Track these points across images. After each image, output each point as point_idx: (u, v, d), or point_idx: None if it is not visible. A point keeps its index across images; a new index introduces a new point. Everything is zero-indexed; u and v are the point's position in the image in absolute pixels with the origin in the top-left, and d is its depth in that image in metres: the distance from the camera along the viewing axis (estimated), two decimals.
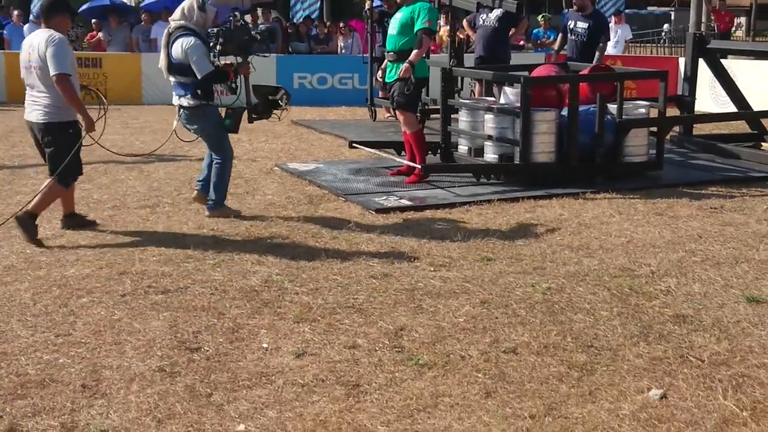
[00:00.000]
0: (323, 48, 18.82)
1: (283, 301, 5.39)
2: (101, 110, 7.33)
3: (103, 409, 3.97)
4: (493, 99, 10.08)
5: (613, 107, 8.91)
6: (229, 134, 7.41)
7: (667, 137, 10.26)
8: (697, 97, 11.26)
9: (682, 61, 14.52)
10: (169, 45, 7.13)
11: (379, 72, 9.02)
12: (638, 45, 25.92)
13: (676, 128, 11.30)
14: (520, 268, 6.05)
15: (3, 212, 7.67)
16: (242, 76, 7.43)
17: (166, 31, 7.25)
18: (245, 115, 7.52)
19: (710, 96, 14.66)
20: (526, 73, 9.82)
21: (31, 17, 17.69)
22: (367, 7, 14.18)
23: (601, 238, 6.83)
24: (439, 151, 9.57)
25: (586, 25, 11.07)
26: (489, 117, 8.99)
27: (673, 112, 11.13)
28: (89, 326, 4.95)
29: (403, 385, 4.23)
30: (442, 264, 6.13)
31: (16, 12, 17.96)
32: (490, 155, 9.05)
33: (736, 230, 7.09)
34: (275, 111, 7.70)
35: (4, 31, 18.15)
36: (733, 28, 27.51)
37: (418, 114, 9.14)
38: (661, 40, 29.73)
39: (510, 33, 11.91)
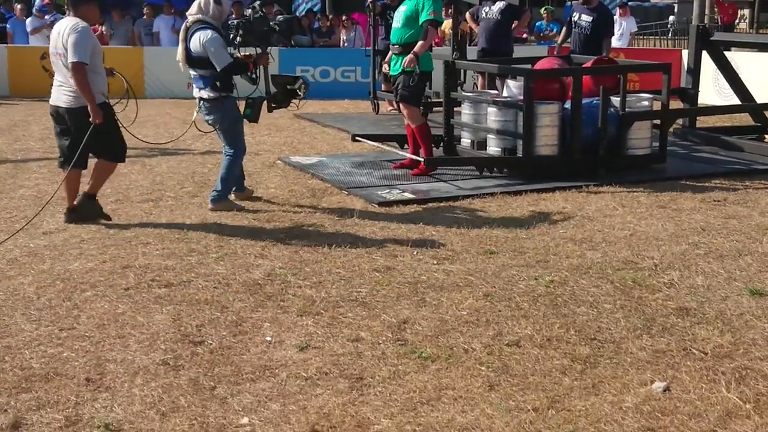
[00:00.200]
0: (326, 41, 18.81)
1: (286, 294, 5.39)
2: (126, 98, 7.43)
3: (107, 403, 3.99)
4: (496, 92, 10.07)
5: (616, 100, 8.90)
6: (234, 131, 7.48)
7: (671, 130, 10.25)
8: (700, 89, 11.23)
9: (685, 53, 14.48)
10: (187, 39, 7.25)
11: (385, 65, 9.00)
12: (641, 38, 25.87)
13: (680, 121, 11.27)
14: (523, 261, 6.05)
15: (7, 206, 7.69)
16: (262, 66, 7.57)
17: (184, 25, 7.38)
18: (265, 104, 7.68)
19: (713, 88, 14.63)
20: (529, 66, 9.81)
21: (33, 10, 17.70)
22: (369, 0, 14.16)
23: (605, 231, 6.83)
24: (442, 144, 9.57)
25: (590, 18, 11.04)
26: (492, 110, 8.98)
27: (676, 104, 11.11)
28: (93, 320, 4.96)
29: (406, 378, 4.24)
30: (445, 257, 6.13)
31: (19, 6, 17.94)
32: (493, 148, 9.04)
33: (740, 223, 7.08)
34: (294, 100, 7.87)
35: (7, 25, 18.13)
36: (737, 20, 27.47)
37: (421, 107, 9.12)
38: (668, 32, 29.64)
39: (513, 26, 11.90)
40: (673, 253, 6.25)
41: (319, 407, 3.94)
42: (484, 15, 11.68)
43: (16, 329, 4.83)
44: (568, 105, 8.77)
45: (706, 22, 18.92)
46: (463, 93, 10.09)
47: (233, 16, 7.58)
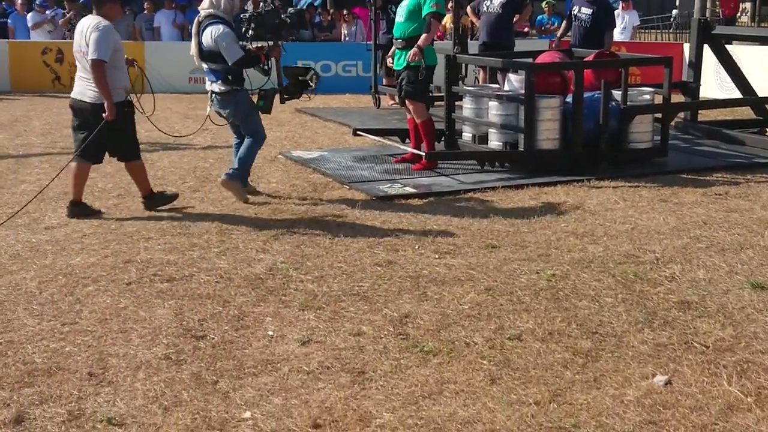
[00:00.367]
0: (327, 35, 18.79)
1: (288, 288, 5.40)
2: (141, 90, 7.54)
3: (109, 397, 4.00)
4: (497, 86, 10.06)
5: (617, 93, 8.89)
6: (251, 119, 7.61)
7: (672, 123, 10.24)
8: (701, 83, 11.22)
9: (686, 47, 14.46)
10: (199, 33, 7.36)
11: (389, 59, 8.99)
12: (643, 31, 25.83)
13: (681, 114, 11.26)
14: (525, 255, 6.05)
15: (9, 201, 7.69)
16: (274, 58, 7.69)
17: (196, 19, 7.49)
18: (278, 96, 7.81)
19: (715, 82, 14.61)
20: (530, 60, 9.80)
21: (34, 5, 17.69)
22: None
23: (606, 224, 6.83)
24: (443, 139, 9.56)
25: (590, 11, 11.03)
26: (493, 104, 8.97)
27: (677, 98, 11.10)
28: (95, 314, 4.97)
29: (408, 372, 4.25)
30: (446, 251, 6.14)
31: (20, 1, 17.94)
32: (495, 142, 9.03)
33: (741, 216, 7.08)
34: (305, 94, 8.04)
35: (8, 20, 18.13)
36: (739, 14, 27.42)
37: (427, 103, 9.10)
38: (671, 26, 29.58)
39: (514, 19, 11.88)
40: (674, 246, 6.25)
41: (321, 401, 3.95)
42: (485, 9, 11.66)
43: (19, 324, 4.84)
44: (569, 99, 8.76)
45: (707, 15, 18.89)
46: (465, 87, 10.08)
47: (251, 9, 7.70)
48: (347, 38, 18.56)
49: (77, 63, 7.03)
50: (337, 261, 5.92)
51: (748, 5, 36.42)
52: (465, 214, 7.15)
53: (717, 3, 22.31)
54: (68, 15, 18.14)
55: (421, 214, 7.15)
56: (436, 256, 6.02)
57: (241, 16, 7.62)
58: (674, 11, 33.24)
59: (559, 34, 12.48)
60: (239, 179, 7.59)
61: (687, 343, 4.56)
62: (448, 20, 13.64)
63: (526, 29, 18.66)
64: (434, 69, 8.80)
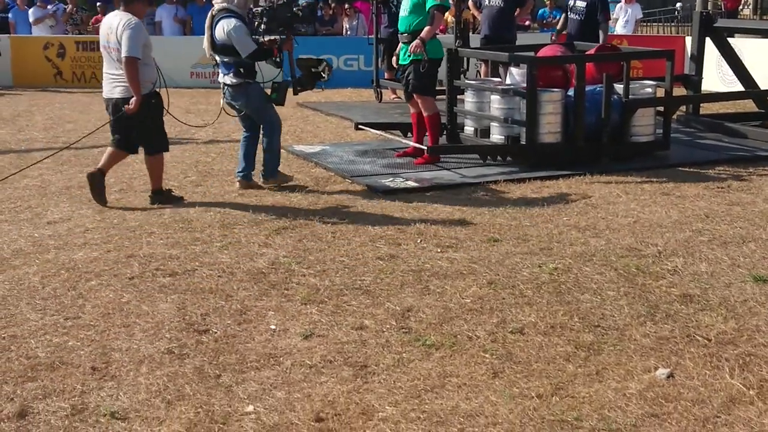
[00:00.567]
0: (328, 30, 18.75)
1: (290, 283, 5.41)
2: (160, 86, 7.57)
3: (112, 391, 4.01)
4: (499, 80, 10.06)
5: (619, 87, 8.88)
6: (263, 110, 7.72)
7: (674, 117, 10.23)
8: (703, 76, 11.20)
9: (688, 40, 14.43)
10: (212, 27, 7.47)
11: (394, 58, 8.98)
12: (645, 24, 25.78)
13: (683, 108, 11.25)
14: (527, 248, 6.05)
15: (11, 196, 7.70)
16: (286, 51, 7.80)
17: (209, 13, 7.59)
18: (290, 88, 7.95)
19: (717, 75, 14.59)
20: (532, 54, 9.79)
21: (36, 0, 17.68)
22: None
23: (608, 218, 6.83)
24: (445, 133, 9.55)
25: (584, 4, 11.10)
26: (495, 98, 8.96)
27: (679, 91, 11.08)
28: (98, 309, 4.98)
29: (410, 365, 4.25)
30: (448, 245, 6.14)
31: None
32: (497, 136, 9.03)
33: (743, 209, 7.08)
34: (317, 86, 8.20)
35: (9, 15, 18.13)
36: (740, 7, 27.35)
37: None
38: (675, 19, 29.50)
39: (516, 13, 11.87)
40: (676, 240, 6.25)
41: (324, 395, 3.96)
42: (486, 2, 11.64)
43: (22, 319, 4.85)
44: (571, 92, 8.75)
45: (709, 8, 18.85)
46: (466, 81, 10.07)
47: (265, 3, 7.78)
48: (349, 32, 18.53)
49: (104, 59, 7.18)
50: (339, 255, 5.92)
51: None
52: (467, 208, 7.15)
53: None
54: (68, 9, 18.14)
55: (423, 208, 7.15)
56: (439, 250, 6.02)
57: (254, 10, 7.68)
58: (678, 4, 33.13)
59: (558, 27, 12.49)
60: (274, 175, 7.85)
61: (689, 336, 4.56)
62: (449, 14, 13.62)
63: (527, 23, 18.62)
64: (440, 62, 8.80)
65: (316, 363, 4.29)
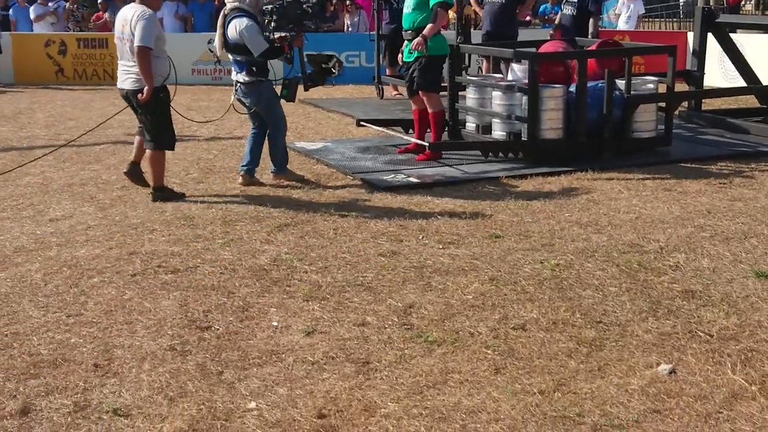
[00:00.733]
0: (330, 26, 18.73)
1: (292, 279, 5.41)
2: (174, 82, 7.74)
3: (115, 388, 4.01)
4: (500, 76, 10.05)
5: (621, 83, 8.86)
6: (272, 110, 7.80)
7: (676, 112, 10.22)
8: (705, 71, 11.18)
9: (690, 35, 14.42)
10: (225, 26, 7.58)
11: (400, 54, 8.98)
12: (647, 20, 25.74)
13: (685, 103, 11.24)
14: (529, 244, 6.05)
15: (13, 193, 7.71)
16: (296, 48, 7.91)
17: (222, 12, 7.73)
18: (301, 84, 8.07)
19: (719, 71, 14.56)
20: (533, 50, 9.78)
21: None
22: None
23: (610, 214, 6.82)
24: (446, 129, 9.55)
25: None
26: (497, 94, 8.96)
27: (681, 87, 11.07)
28: (100, 306, 4.99)
29: (412, 362, 4.26)
30: (450, 241, 6.14)
31: None
32: (498, 132, 9.02)
33: (745, 205, 7.07)
34: (328, 82, 8.30)
35: (10, 12, 18.13)
36: (743, 2, 27.29)
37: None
38: (679, 14, 29.44)
39: (517, 9, 11.87)
40: (678, 235, 6.24)
41: (326, 391, 3.96)
42: None
43: (24, 316, 4.85)
44: (572, 88, 8.74)
45: (711, 3, 18.81)
46: (468, 77, 10.06)
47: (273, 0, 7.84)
48: (350, 29, 18.51)
49: (118, 51, 7.30)
50: (341, 251, 5.93)
51: None
52: (469, 204, 7.15)
53: None
54: (68, 6, 18.13)
55: (424, 204, 7.15)
56: (440, 247, 6.02)
57: (264, 8, 7.75)
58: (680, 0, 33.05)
59: (556, 22, 12.54)
60: (283, 171, 7.94)
61: (691, 332, 4.56)
62: (451, 10, 13.60)
63: (528, 18, 18.59)
64: (445, 58, 8.80)
65: (318, 359, 4.29)
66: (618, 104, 8.78)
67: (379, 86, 13.68)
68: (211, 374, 4.15)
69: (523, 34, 13.07)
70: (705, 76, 11.21)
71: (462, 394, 3.93)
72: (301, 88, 8.09)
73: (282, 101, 7.89)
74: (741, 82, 11.46)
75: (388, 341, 4.49)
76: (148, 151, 7.36)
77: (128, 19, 7.07)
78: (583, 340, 4.47)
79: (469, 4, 12.76)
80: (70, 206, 7.22)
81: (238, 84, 7.75)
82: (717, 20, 11.30)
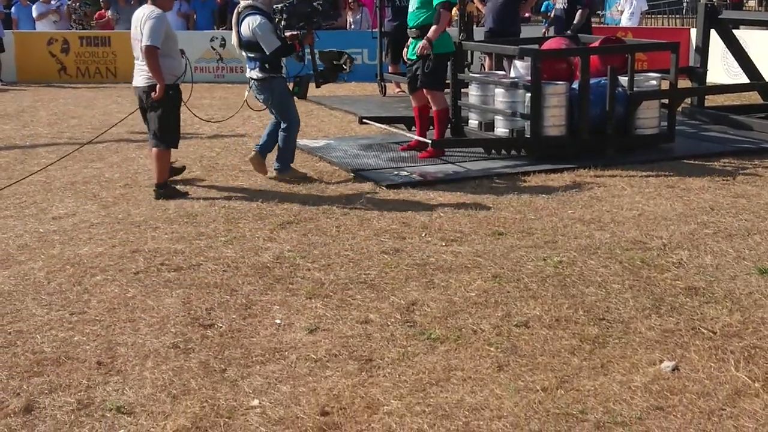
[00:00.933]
0: (331, 24, 18.70)
1: (295, 277, 5.41)
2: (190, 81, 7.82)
3: (118, 386, 4.02)
4: (503, 73, 10.04)
5: (624, 79, 8.86)
6: (285, 107, 7.87)
7: (679, 109, 10.21)
8: (708, 68, 11.17)
9: (693, 32, 14.39)
10: (238, 23, 7.68)
11: (405, 50, 8.99)
12: (650, 16, 25.71)
13: (688, 100, 11.22)
14: (532, 242, 6.05)
15: (16, 191, 7.71)
16: (308, 45, 8.00)
17: (236, 10, 7.83)
18: (312, 81, 8.18)
19: (722, 67, 14.54)
20: (536, 47, 9.77)
21: None
22: None
23: (613, 211, 6.82)
24: (449, 126, 9.54)
25: None
26: (499, 91, 8.95)
27: (684, 83, 11.06)
28: (103, 304, 4.99)
29: (415, 359, 4.26)
30: (453, 239, 6.14)
31: None
32: (501, 129, 9.02)
33: (749, 202, 7.06)
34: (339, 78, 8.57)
35: (12, 11, 18.14)
36: None
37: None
38: (683, 10, 29.39)
39: (520, 6, 11.89)
40: (681, 232, 6.24)
41: (329, 389, 3.96)
42: None
43: (28, 314, 4.86)
44: (575, 85, 8.73)
45: (714, 0, 18.77)
46: (471, 74, 10.05)
47: None
48: (352, 26, 18.49)
49: (133, 51, 7.41)
50: (343, 249, 5.93)
51: None
52: (471, 201, 7.15)
53: None
54: (70, 5, 18.13)
55: (427, 201, 7.15)
56: (443, 244, 6.02)
57: (274, 7, 7.80)
58: None
59: (551, 16, 12.66)
60: (287, 169, 7.97)
61: (694, 329, 4.56)
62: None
63: (527, 14, 18.58)
64: (450, 56, 8.80)
65: (321, 357, 4.29)
66: (621, 101, 8.77)
67: (382, 84, 13.67)
68: (214, 372, 4.15)
69: (525, 31, 13.06)
70: (708, 72, 11.20)
71: (465, 391, 3.93)
72: (312, 85, 8.17)
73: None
74: (744, 79, 11.44)
75: (390, 338, 4.49)
76: (153, 149, 7.37)
77: (139, 19, 7.21)
78: (586, 337, 4.46)
79: (472, 1, 12.74)
80: (73, 204, 7.23)
81: (252, 81, 7.84)
82: (720, 17, 11.29)
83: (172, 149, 7.49)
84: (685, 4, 29.96)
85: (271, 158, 8.03)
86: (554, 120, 8.60)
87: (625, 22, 17.57)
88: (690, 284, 5.19)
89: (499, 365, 4.17)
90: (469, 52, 10.48)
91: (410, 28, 8.71)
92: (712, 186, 7.60)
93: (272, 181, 7.92)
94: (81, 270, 5.56)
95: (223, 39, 15.93)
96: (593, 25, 19.05)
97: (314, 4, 7.97)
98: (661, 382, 3.97)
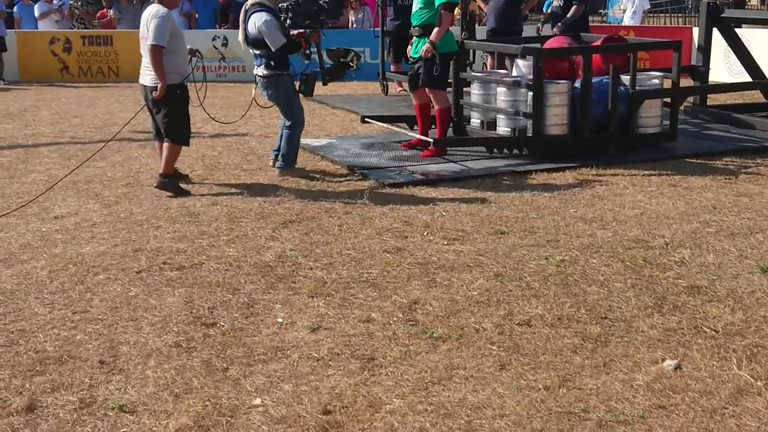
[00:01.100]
0: (334, 22, 18.71)
1: (297, 276, 5.41)
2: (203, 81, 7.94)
3: (120, 385, 4.02)
4: (505, 72, 10.03)
5: (626, 78, 8.85)
6: (290, 105, 7.94)
7: (681, 108, 10.20)
8: (711, 67, 11.16)
9: (696, 30, 14.38)
10: (246, 20, 7.76)
11: (409, 47, 9.00)
12: (653, 15, 25.70)
13: (690, 99, 11.21)
14: (534, 240, 6.05)
15: (18, 190, 7.72)
16: (314, 43, 8.05)
17: (243, 7, 7.90)
18: (319, 80, 8.26)
19: (724, 66, 14.53)
20: (538, 45, 9.76)
21: None
22: None
23: (615, 210, 6.82)
24: (451, 125, 9.53)
25: None
26: (501, 90, 8.95)
27: (686, 82, 11.05)
28: (106, 303, 5.00)
29: (417, 358, 4.26)
30: (455, 237, 6.14)
31: None
32: (503, 128, 9.01)
33: (751, 201, 7.06)
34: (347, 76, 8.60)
35: (14, 10, 18.14)
36: None
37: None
38: (687, 9, 29.36)
39: (522, 5, 11.88)
40: (683, 231, 6.23)
41: (331, 387, 3.96)
42: None
43: (30, 313, 4.86)
44: (577, 84, 8.73)
45: None
46: (473, 73, 10.05)
47: None
48: (354, 25, 18.49)
49: (141, 49, 7.46)
50: (345, 248, 5.93)
51: None
52: (473, 200, 7.15)
53: None
54: (72, 4, 18.13)
55: (429, 200, 7.15)
56: (445, 243, 6.02)
57: (280, 5, 7.82)
58: None
59: (547, 12, 12.70)
60: (290, 168, 8.03)
61: (696, 328, 4.55)
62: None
63: (526, 13, 18.55)
64: (453, 55, 8.80)
65: (323, 356, 4.29)
66: (623, 100, 8.76)
67: (384, 83, 13.65)
68: (216, 371, 4.16)
69: (528, 30, 13.06)
70: (710, 71, 11.18)
71: (467, 390, 3.93)
72: (319, 83, 8.22)
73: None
74: (746, 78, 11.44)
75: (393, 337, 4.49)
76: (169, 145, 7.47)
77: (146, 18, 7.31)
78: (588, 335, 4.46)
79: (474, 0, 12.73)
80: (75, 203, 7.23)
81: (258, 78, 7.90)
82: (722, 15, 11.28)
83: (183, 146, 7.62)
84: (688, 3, 29.93)
85: (262, 162, 8.05)
86: (556, 119, 8.59)
87: (627, 20, 17.56)
88: (692, 283, 5.19)
89: (502, 364, 4.17)
90: (471, 51, 10.49)
91: (414, 27, 8.71)
92: (715, 185, 7.59)
93: (274, 180, 7.93)
94: (83, 269, 5.57)
95: (225, 38, 15.92)
96: (596, 24, 19.08)
97: (320, 2, 8.01)
98: (663, 380, 3.97)
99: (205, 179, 8.05)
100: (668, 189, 7.46)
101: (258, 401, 3.86)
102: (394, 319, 4.72)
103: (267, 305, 4.95)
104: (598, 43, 9.50)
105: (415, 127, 9.43)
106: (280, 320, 4.74)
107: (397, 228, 6.37)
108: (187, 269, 5.54)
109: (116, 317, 4.79)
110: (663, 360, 4.18)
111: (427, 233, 6.24)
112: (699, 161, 8.58)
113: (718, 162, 8.55)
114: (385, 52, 13.38)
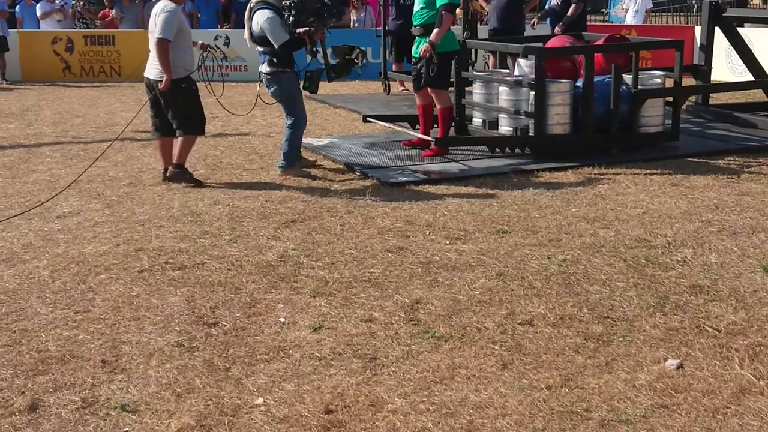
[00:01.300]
0: (335, 22, 18.70)
1: (299, 275, 5.41)
2: (219, 74, 8.12)
3: (123, 384, 4.02)
4: (507, 71, 10.03)
5: (628, 77, 8.84)
6: (292, 102, 7.98)
7: (683, 107, 10.19)
8: (713, 66, 11.15)
9: (698, 30, 14.37)
10: (250, 18, 7.86)
11: (413, 46, 9.00)
12: (655, 14, 25.69)
13: (692, 98, 11.20)
14: (536, 240, 6.05)
15: (21, 190, 7.72)
16: (319, 41, 8.09)
17: (248, 5, 7.99)
18: (323, 80, 8.32)
19: (726, 65, 14.52)
20: (540, 45, 9.76)
21: None
22: None
23: (617, 209, 6.81)
24: (453, 124, 9.53)
25: None
26: (503, 89, 8.95)
27: (689, 81, 11.04)
28: (108, 302, 5.00)
29: (419, 357, 4.26)
30: (457, 237, 6.13)
31: None
32: (505, 127, 9.01)
33: (753, 200, 7.05)
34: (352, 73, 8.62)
35: (17, 10, 18.14)
36: None
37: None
38: (691, 8, 29.34)
39: (524, 5, 11.89)
40: (686, 230, 6.23)
41: (333, 387, 3.96)
42: None
43: (32, 312, 4.87)
44: (579, 83, 8.73)
45: None
46: (475, 72, 10.05)
47: None
48: (356, 24, 18.49)
49: (149, 44, 7.61)
50: (347, 247, 5.93)
51: None
52: (475, 199, 7.14)
53: None
54: (75, 4, 18.13)
55: (431, 200, 7.15)
56: (447, 242, 6.02)
57: (283, 3, 7.87)
58: None
59: (546, 8, 12.74)
60: (291, 167, 8.05)
61: (699, 327, 4.55)
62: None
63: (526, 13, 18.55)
64: (455, 54, 8.80)
65: (325, 355, 4.30)
66: (625, 99, 8.76)
67: (386, 82, 13.67)
68: (218, 370, 4.16)
69: (528, 29, 13.06)
70: (712, 70, 11.18)
71: (469, 389, 3.93)
72: (324, 81, 8.28)
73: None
74: (748, 77, 11.42)
75: (395, 337, 4.49)
76: (183, 137, 7.62)
77: (155, 13, 7.43)
78: (590, 335, 4.46)
79: None
80: (78, 203, 7.24)
81: (262, 74, 7.96)
82: (724, 14, 11.27)
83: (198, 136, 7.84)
84: (690, 2, 29.89)
85: (271, 162, 8.04)
86: (558, 118, 8.59)
87: (629, 20, 17.54)
88: (694, 282, 5.19)
89: (504, 363, 4.17)
90: (473, 50, 10.49)
91: (415, 26, 8.71)
92: (717, 184, 7.59)
93: (276, 180, 7.93)
94: (85, 269, 5.57)
95: (227, 37, 15.92)
96: (598, 23, 19.07)
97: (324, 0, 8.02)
98: (665, 380, 3.97)
99: (207, 179, 8.05)
100: (670, 188, 7.46)
101: (260, 401, 3.86)
102: (396, 318, 4.73)
103: (269, 305, 4.96)
104: (600, 42, 9.50)
105: (417, 127, 9.43)
106: (282, 320, 4.74)
107: (399, 227, 6.37)
108: (189, 269, 5.54)
109: (118, 317, 4.80)
110: (665, 359, 4.18)
111: (429, 232, 6.24)
112: (701, 160, 8.57)
113: (720, 161, 8.55)
114: (387, 52, 13.39)
